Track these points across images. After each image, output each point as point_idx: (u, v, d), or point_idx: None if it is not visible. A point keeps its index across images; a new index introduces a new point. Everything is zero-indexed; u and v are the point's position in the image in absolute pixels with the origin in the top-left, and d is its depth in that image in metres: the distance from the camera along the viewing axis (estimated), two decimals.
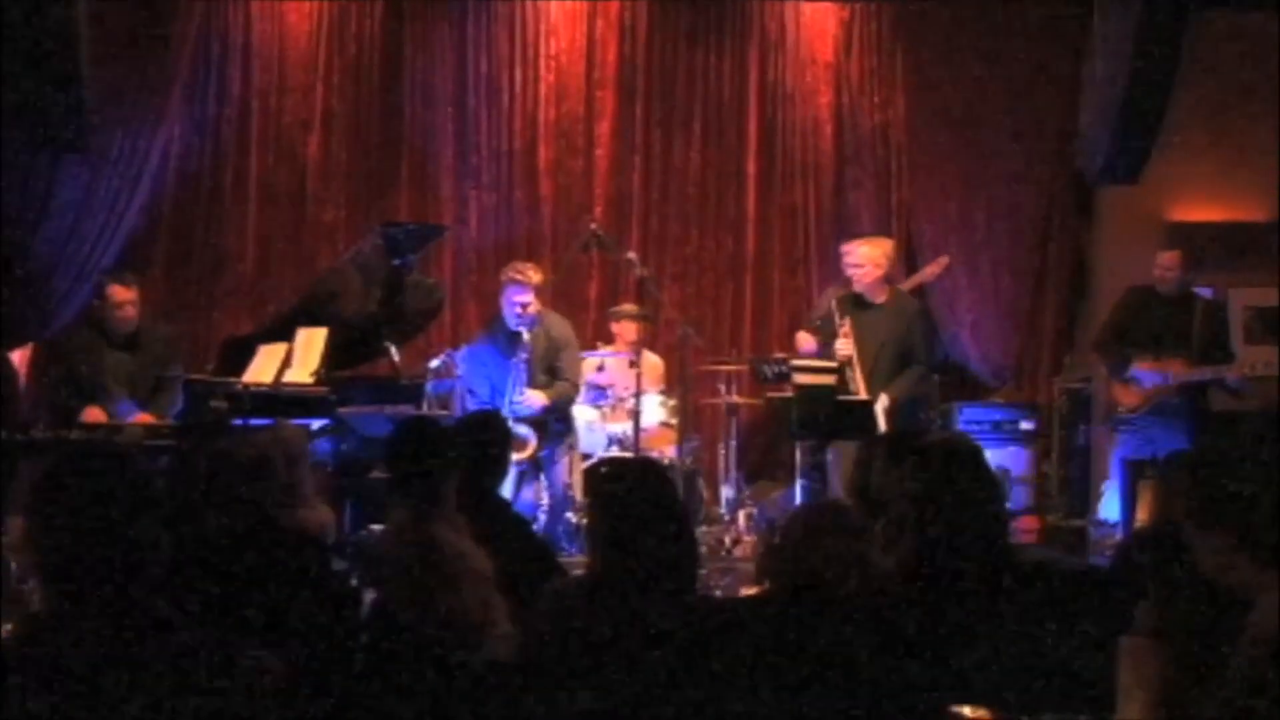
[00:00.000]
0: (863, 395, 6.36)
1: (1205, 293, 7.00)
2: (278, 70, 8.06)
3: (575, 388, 6.99)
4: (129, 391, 6.35)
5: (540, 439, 6.72)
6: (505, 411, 6.52)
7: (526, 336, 6.67)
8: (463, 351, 7.00)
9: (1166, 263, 6.62)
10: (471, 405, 6.83)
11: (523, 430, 6.58)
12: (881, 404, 6.36)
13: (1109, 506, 6.64)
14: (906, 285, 7.35)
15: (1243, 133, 7.92)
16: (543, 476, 6.81)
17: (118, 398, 6.29)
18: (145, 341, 6.55)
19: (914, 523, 3.41)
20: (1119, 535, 6.36)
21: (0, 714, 2.03)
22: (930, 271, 7.61)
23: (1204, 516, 2.46)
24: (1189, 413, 6.50)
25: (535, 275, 6.74)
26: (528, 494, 6.76)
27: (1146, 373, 6.48)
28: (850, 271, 6.71)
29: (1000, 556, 3.35)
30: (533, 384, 6.75)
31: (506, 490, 6.36)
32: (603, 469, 3.23)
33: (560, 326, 6.98)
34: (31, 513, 2.16)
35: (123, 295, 6.45)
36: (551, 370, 6.87)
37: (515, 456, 6.49)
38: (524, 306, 6.64)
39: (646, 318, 7.61)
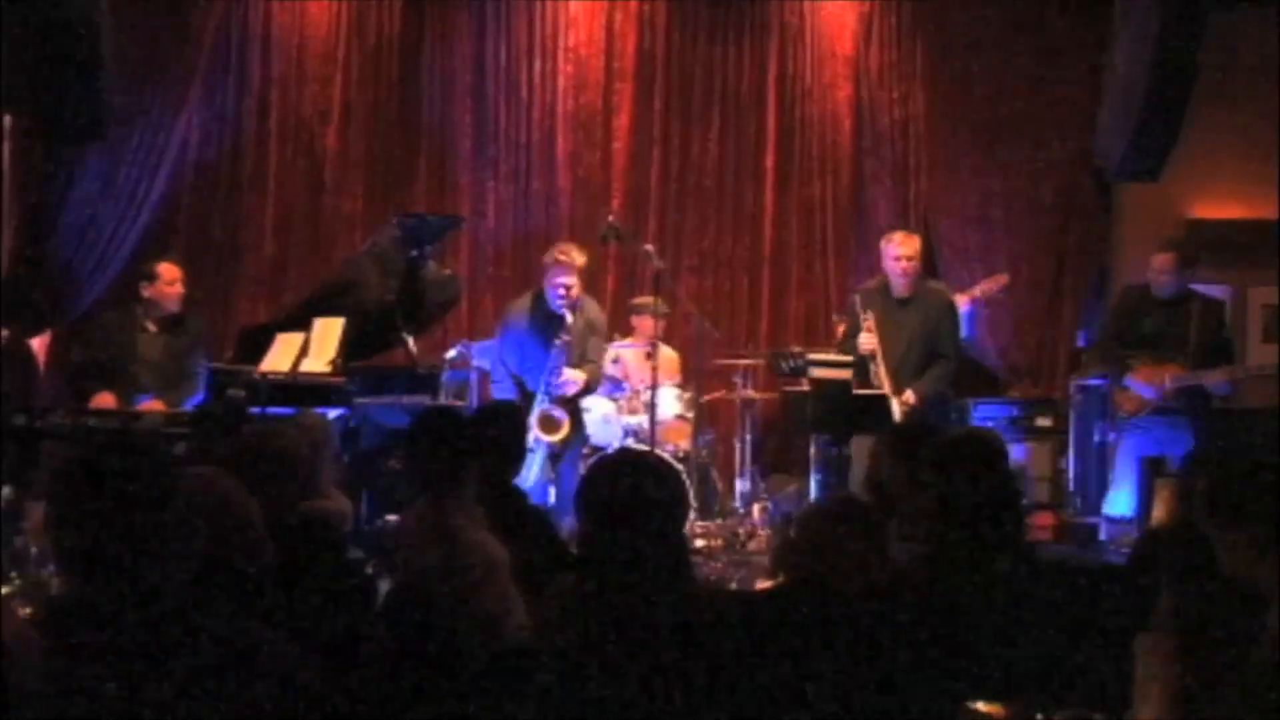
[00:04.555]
0: (887, 390, 6.35)
1: (1216, 291, 6.95)
2: (297, 61, 8.08)
3: (599, 372, 7.02)
4: (156, 376, 6.40)
5: (572, 422, 6.72)
6: (542, 392, 6.58)
7: (571, 320, 6.67)
8: (507, 324, 6.91)
9: (1159, 265, 6.52)
10: (498, 377, 6.82)
11: (558, 412, 6.61)
12: (908, 399, 6.35)
13: (1117, 502, 6.61)
14: (961, 300, 7.27)
15: (1264, 130, 7.87)
16: (553, 470, 6.80)
17: (140, 384, 6.33)
18: (187, 326, 6.63)
19: (930, 517, 3.41)
20: (1133, 533, 6.33)
21: (18, 698, 2.04)
22: (985, 287, 7.54)
23: (1223, 514, 2.46)
24: (1191, 412, 6.48)
25: (580, 258, 6.73)
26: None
27: (1141, 385, 6.46)
28: (904, 265, 6.59)
29: (1016, 553, 3.35)
30: (570, 365, 6.75)
31: (535, 473, 6.43)
32: (593, 466, 3.20)
33: (595, 312, 6.98)
34: (54, 498, 2.17)
35: (174, 274, 6.58)
36: (582, 354, 6.86)
37: (549, 438, 6.54)
38: (568, 289, 6.63)
39: (667, 313, 7.59)
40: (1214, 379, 6.40)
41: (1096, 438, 7.45)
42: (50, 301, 7.39)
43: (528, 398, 6.64)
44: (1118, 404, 6.64)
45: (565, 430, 6.62)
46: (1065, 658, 3.08)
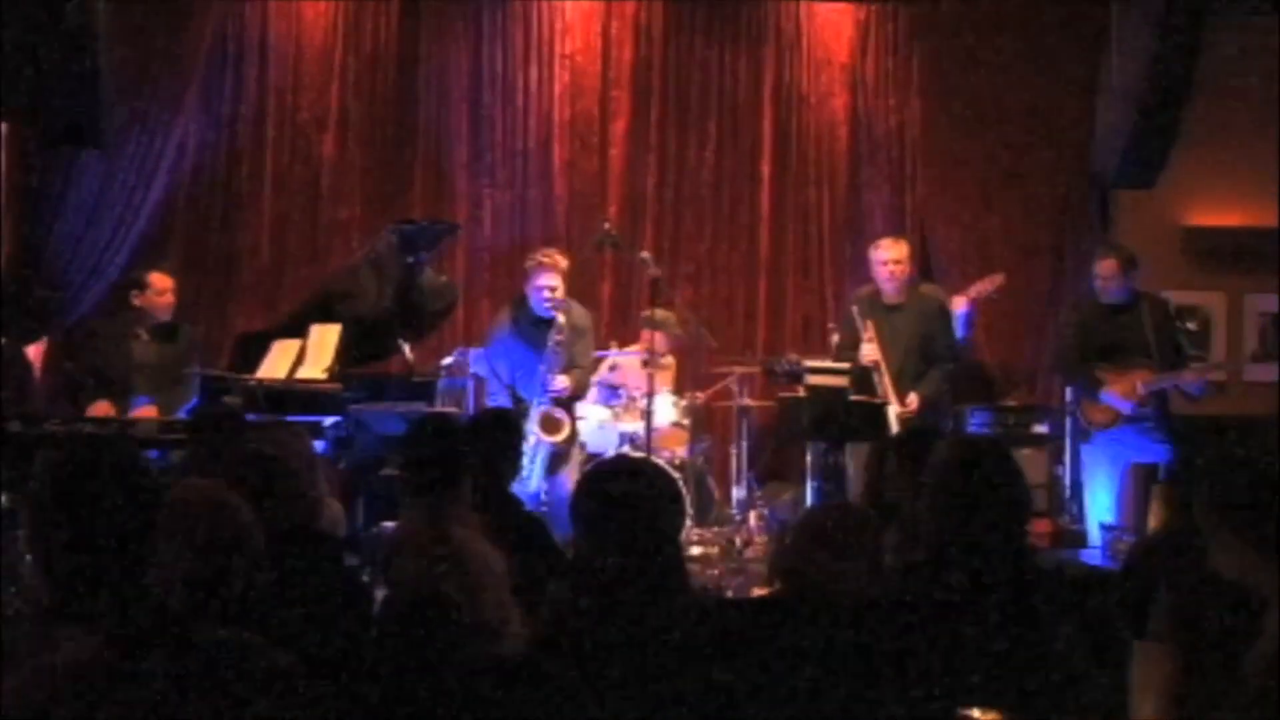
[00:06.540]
0: (891, 399, 6.35)
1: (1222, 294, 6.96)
2: (293, 68, 8.08)
3: (586, 378, 7.08)
4: (151, 383, 6.41)
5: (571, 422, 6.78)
6: (537, 396, 6.66)
7: (562, 319, 6.72)
8: (493, 337, 7.02)
9: (1104, 272, 6.53)
10: (494, 388, 6.86)
11: (558, 413, 6.66)
12: (910, 404, 6.35)
13: (1099, 509, 6.62)
14: (958, 302, 7.26)
15: (1260, 137, 7.89)
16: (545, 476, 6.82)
17: (136, 391, 6.34)
18: (179, 334, 6.65)
19: (930, 523, 3.40)
20: (1126, 539, 6.33)
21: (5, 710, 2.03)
22: (982, 287, 7.53)
23: (1220, 519, 2.45)
24: (1160, 419, 6.49)
25: (562, 261, 6.82)
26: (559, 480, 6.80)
27: (1116, 398, 6.46)
28: (892, 269, 6.67)
29: (1015, 559, 3.34)
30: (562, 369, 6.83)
31: (538, 478, 6.47)
32: (589, 472, 3.19)
33: (582, 316, 7.06)
34: (34, 506, 2.15)
35: (165, 283, 6.68)
36: (570, 360, 6.91)
37: (551, 439, 6.61)
38: (552, 290, 6.71)
39: (679, 334, 7.56)
40: (1187, 379, 6.40)
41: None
42: (46, 308, 7.38)
43: (522, 405, 6.67)
44: (1089, 418, 6.64)
45: (567, 430, 6.68)
46: (1062, 664, 3.07)
